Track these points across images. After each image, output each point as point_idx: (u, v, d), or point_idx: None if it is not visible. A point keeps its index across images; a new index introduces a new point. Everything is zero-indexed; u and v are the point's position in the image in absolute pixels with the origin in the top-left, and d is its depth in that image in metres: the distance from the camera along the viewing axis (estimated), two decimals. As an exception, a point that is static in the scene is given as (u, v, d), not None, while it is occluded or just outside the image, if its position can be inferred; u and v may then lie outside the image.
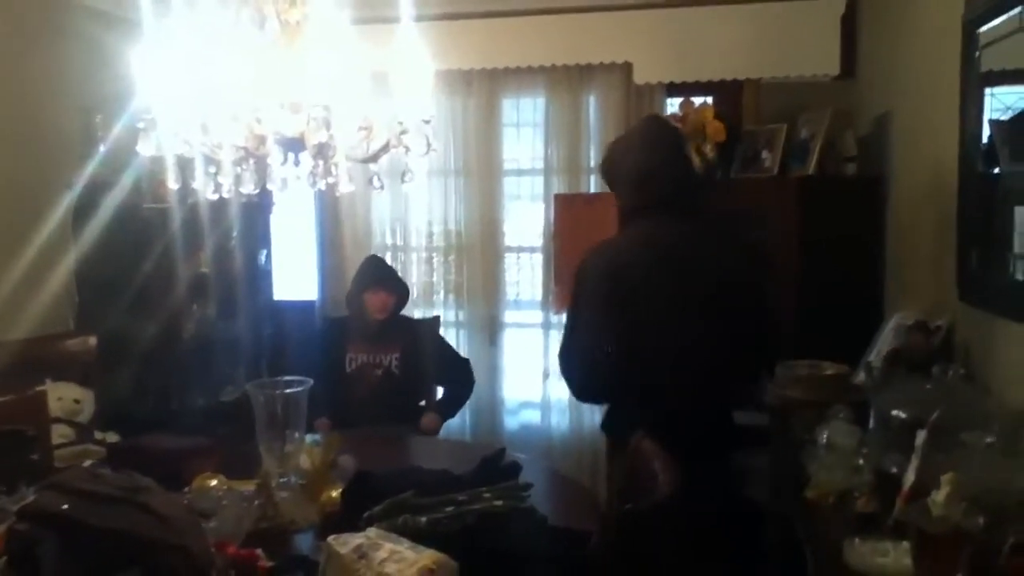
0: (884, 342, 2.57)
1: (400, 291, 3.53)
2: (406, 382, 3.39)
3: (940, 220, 2.60)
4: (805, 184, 3.48)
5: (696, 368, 2.48)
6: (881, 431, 2.04)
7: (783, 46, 3.76)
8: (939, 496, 1.48)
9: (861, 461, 1.98)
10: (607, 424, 2.74)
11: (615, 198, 2.78)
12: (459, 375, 3.65)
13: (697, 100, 3.88)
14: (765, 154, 3.69)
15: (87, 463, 2.61)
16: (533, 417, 4.33)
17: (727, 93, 3.97)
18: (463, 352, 4.29)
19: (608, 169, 2.74)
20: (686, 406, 2.48)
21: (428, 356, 3.54)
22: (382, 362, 3.39)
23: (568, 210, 3.96)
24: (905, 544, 1.57)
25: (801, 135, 3.66)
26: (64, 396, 3.20)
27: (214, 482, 2.20)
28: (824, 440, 2.15)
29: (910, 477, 1.61)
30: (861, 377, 2.55)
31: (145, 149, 1.94)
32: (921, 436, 1.66)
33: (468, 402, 4.25)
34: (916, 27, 2.96)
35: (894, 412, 1.99)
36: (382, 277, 3.50)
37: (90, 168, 3.59)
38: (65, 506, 1.63)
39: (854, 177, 3.54)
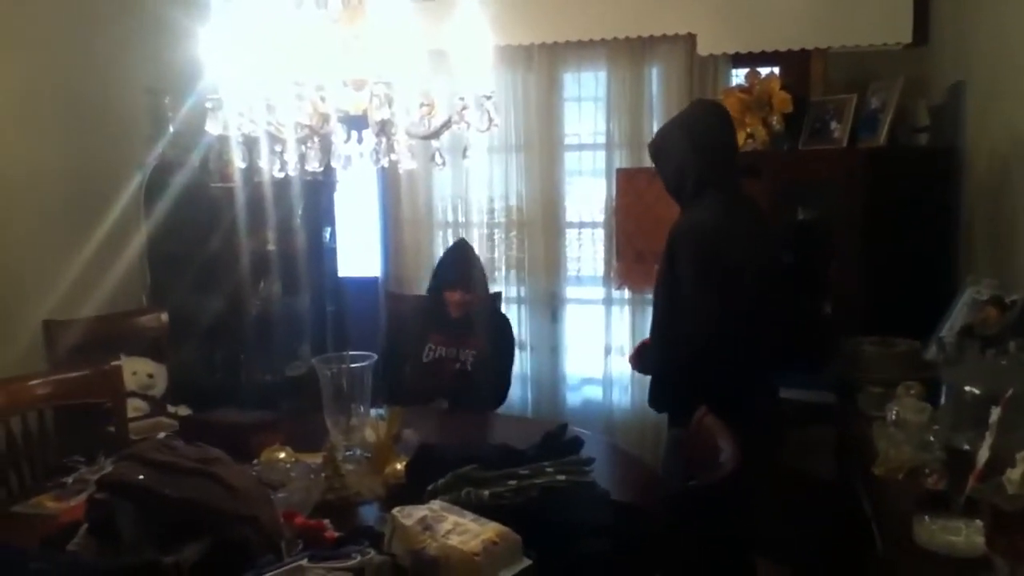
0: (957, 317, 2.50)
1: (480, 289, 3.41)
2: (478, 380, 3.34)
3: (1017, 191, 2.51)
4: (875, 155, 3.38)
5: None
6: (953, 407, 1.99)
7: (852, 13, 3.64)
8: (1014, 474, 1.44)
9: (932, 438, 1.94)
10: (660, 400, 2.75)
11: (662, 178, 2.77)
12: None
13: (763, 71, 3.79)
14: (834, 125, 3.60)
15: (160, 435, 2.69)
16: (595, 393, 4.32)
17: (794, 63, 3.86)
18: (524, 329, 4.31)
19: (657, 152, 2.77)
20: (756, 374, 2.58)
21: (503, 355, 3.45)
22: (459, 356, 3.30)
23: (630, 185, 3.93)
24: (978, 523, 1.53)
25: (871, 105, 3.55)
26: (138, 370, 3.31)
27: (282, 455, 2.25)
28: (893, 416, 2.11)
29: (984, 454, 1.57)
30: (932, 353, 2.49)
31: (213, 129, 1.98)
32: (995, 412, 1.61)
33: (530, 377, 4.28)
34: (993, -10, 2.85)
35: (967, 388, 1.93)
36: (460, 278, 3.35)
37: (160, 148, 3.68)
38: (141, 476, 1.68)
39: (926, 148, 3.43)
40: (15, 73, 3.21)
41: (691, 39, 3.87)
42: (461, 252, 3.50)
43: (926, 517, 1.62)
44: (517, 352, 4.29)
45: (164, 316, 3.57)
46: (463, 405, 3.15)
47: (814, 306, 3.38)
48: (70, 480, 2.23)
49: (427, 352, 3.29)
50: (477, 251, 4.27)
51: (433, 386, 3.22)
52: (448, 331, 3.31)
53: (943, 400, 2.07)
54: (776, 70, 3.86)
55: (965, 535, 1.56)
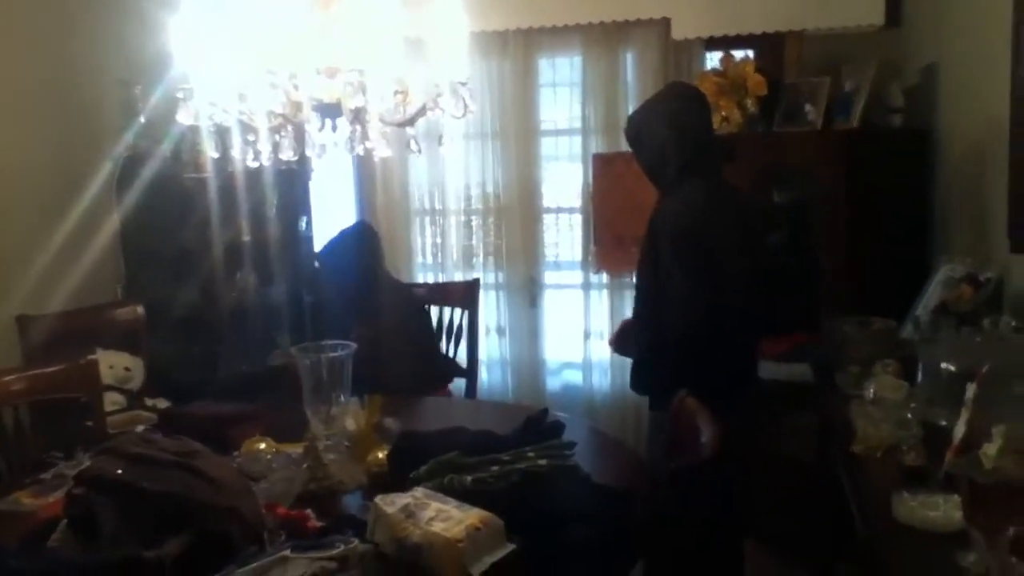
0: (932, 295, 2.52)
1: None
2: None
3: (991, 171, 2.54)
4: (850, 137, 3.41)
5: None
6: (930, 384, 2.02)
7: (825, -5, 3.66)
8: (991, 449, 1.45)
9: (909, 415, 1.96)
10: (642, 384, 2.75)
11: (639, 163, 2.76)
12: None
13: (738, 54, 3.80)
14: (808, 107, 3.61)
15: (139, 429, 2.67)
16: (575, 377, 4.34)
17: (768, 46, 3.88)
18: (503, 315, 4.31)
19: (635, 137, 2.74)
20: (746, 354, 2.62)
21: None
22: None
23: (607, 170, 3.94)
24: (956, 498, 1.55)
25: (845, 87, 3.57)
26: (115, 364, 3.28)
27: (263, 445, 2.23)
28: (871, 394, 2.13)
29: (960, 429, 1.59)
30: (908, 331, 2.52)
31: (184, 119, 1.95)
32: (971, 388, 1.63)
33: (510, 362, 4.28)
34: (964, -29, 2.87)
35: (943, 365, 1.96)
36: None
37: (130, 139, 3.63)
38: (120, 471, 1.67)
39: (900, 129, 3.46)
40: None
41: (665, 23, 3.87)
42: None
43: (905, 493, 1.64)
44: (496, 337, 4.31)
45: (140, 309, 3.53)
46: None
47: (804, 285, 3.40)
48: (48, 476, 2.20)
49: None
50: (454, 239, 4.31)
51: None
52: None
53: (920, 377, 2.09)
54: (750, 53, 3.87)
55: (943, 510, 1.57)
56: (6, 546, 1.71)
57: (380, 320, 3.26)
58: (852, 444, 2.00)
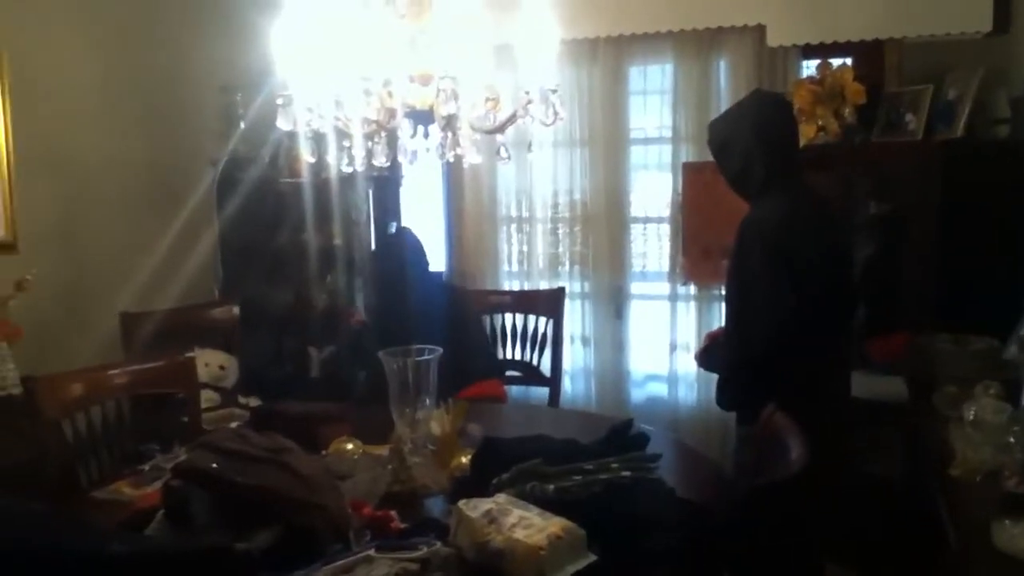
0: (1039, 315, 2.42)
1: None
2: None
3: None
4: (951, 148, 3.28)
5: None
6: (1035, 408, 1.93)
7: (929, 2, 3.53)
8: (1101, 478, 1.38)
9: (1012, 439, 1.88)
10: (726, 400, 2.70)
11: (723, 173, 2.71)
12: None
13: (835, 61, 3.70)
14: (909, 117, 3.50)
15: (232, 425, 2.75)
16: (660, 390, 4.28)
17: (868, 53, 3.76)
18: (588, 324, 4.30)
19: (719, 146, 2.70)
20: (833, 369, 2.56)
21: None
22: None
23: (697, 179, 3.89)
24: (1061, 528, 1.48)
25: (948, 96, 3.45)
26: (210, 362, 3.39)
27: (350, 446, 2.28)
28: (971, 416, 2.05)
29: (1068, 457, 1.52)
30: (1012, 352, 2.41)
31: (284, 124, 2.01)
32: (1081, 414, 1.56)
33: (594, 372, 4.25)
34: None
35: (1050, 388, 1.87)
36: None
37: (231, 144, 3.76)
38: (214, 465, 1.72)
39: (1006, 140, 3.32)
40: (94, 71, 3.32)
41: (760, 30, 3.80)
42: None
43: (1006, 521, 1.57)
44: (581, 347, 4.28)
45: (235, 309, 3.64)
46: None
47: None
48: (147, 467, 2.29)
49: None
50: (540, 247, 4.31)
51: None
52: None
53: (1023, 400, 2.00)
54: (848, 61, 3.76)
55: (1048, 540, 1.51)
56: (107, 530, 1.79)
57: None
58: (949, 467, 1.93)
